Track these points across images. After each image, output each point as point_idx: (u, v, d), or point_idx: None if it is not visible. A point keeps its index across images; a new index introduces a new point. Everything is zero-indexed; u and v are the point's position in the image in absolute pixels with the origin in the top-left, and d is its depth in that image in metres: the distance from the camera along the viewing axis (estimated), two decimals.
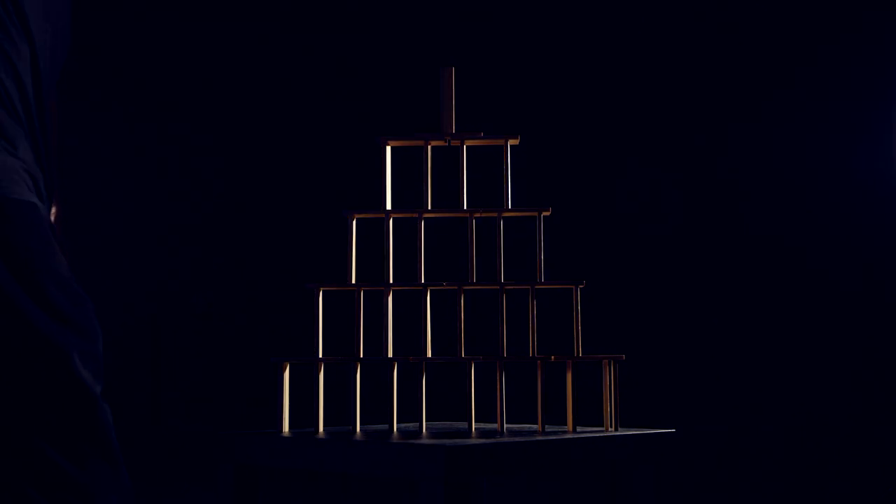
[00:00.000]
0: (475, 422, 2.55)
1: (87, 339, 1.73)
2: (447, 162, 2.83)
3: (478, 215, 2.61)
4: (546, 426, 2.49)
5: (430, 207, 2.63)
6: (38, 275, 1.69)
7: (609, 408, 2.51)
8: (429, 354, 2.56)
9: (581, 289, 2.56)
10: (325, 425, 2.60)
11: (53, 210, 1.93)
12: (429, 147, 2.66)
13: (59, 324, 1.68)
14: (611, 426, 2.50)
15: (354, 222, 2.63)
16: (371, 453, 2.22)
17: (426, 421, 2.68)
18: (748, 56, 3.79)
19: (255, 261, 3.88)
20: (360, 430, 2.54)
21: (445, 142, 2.67)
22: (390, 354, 2.54)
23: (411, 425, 2.68)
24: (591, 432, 2.43)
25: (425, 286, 2.56)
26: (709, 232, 3.77)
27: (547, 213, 2.61)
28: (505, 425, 2.56)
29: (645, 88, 3.88)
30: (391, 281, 2.59)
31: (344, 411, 2.61)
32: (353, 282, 2.60)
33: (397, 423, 2.58)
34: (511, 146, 2.66)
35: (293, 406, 2.57)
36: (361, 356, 2.53)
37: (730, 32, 3.81)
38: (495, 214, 2.60)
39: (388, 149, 2.67)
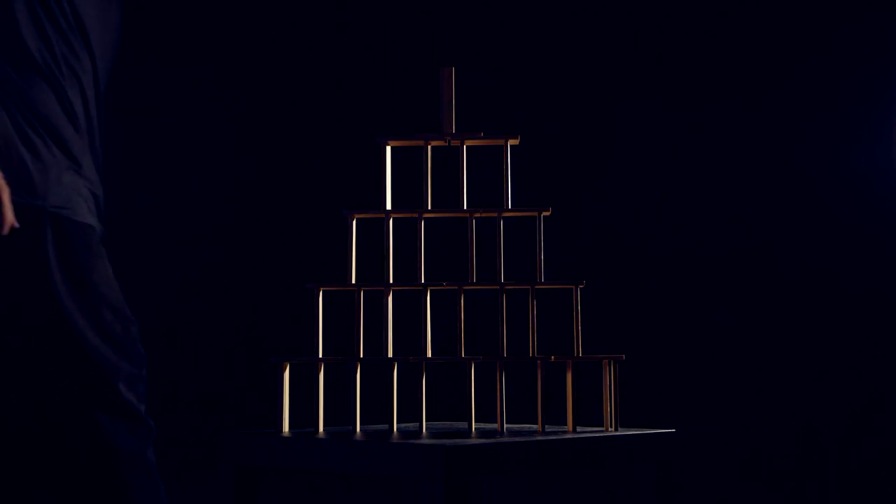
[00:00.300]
0: (475, 422, 2.55)
1: (134, 363, 1.75)
2: (447, 162, 2.82)
3: (478, 215, 2.61)
4: (546, 426, 2.49)
5: (430, 207, 2.63)
6: (94, 297, 1.70)
7: (609, 408, 2.51)
8: (429, 354, 2.56)
9: (581, 289, 2.56)
10: (325, 425, 2.60)
11: None
12: (429, 147, 2.66)
13: (109, 347, 1.71)
14: (611, 426, 2.50)
15: (354, 222, 2.63)
16: (371, 453, 2.22)
17: (426, 421, 2.68)
18: (748, 56, 3.79)
19: (255, 261, 3.88)
20: (360, 430, 2.54)
21: (445, 142, 2.67)
22: (390, 354, 2.54)
23: (411, 425, 2.68)
24: (591, 432, 2.43)
25: (425, 286, 2.56)
26: (708, 232, 3.77)
27: (547, 213, 2.61)
28: (505, 425, 2.56)
29: (645, 89, 3.87)
30: (391, 281, 2.59)
31: (344, 411, 2.61)
32: (353, 282, 2.60)
33: (397, 423, 2.58)
34: (511, 146, 2.66)
35: (293, 406, 2.57)
36: (361, 356, 2.53)
37: (729, 32, 3.81)
38: (495, 214, 2.60)
39: (388, 149, 2.67)
